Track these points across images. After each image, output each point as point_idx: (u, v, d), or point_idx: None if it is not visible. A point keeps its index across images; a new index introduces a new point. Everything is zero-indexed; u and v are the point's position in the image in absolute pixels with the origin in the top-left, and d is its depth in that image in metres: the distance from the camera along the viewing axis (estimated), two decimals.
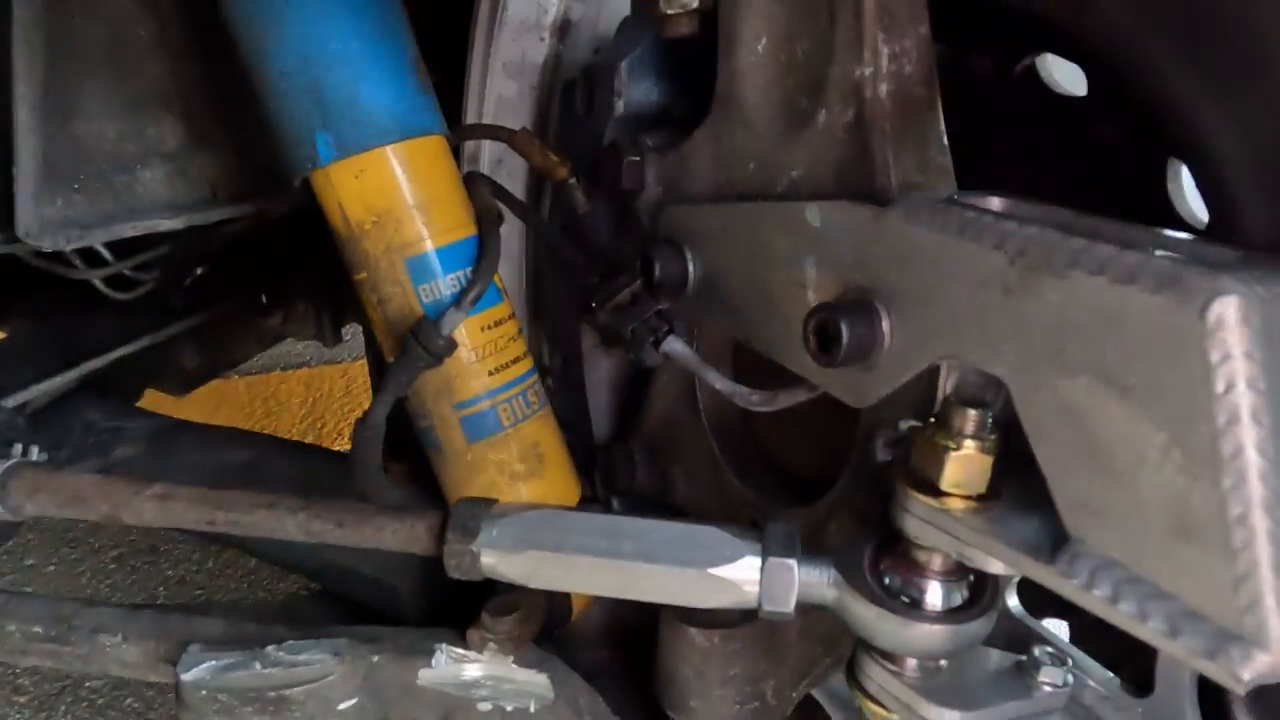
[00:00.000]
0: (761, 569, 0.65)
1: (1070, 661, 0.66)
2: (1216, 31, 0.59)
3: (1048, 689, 0.66)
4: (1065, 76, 0.79)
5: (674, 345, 0.86)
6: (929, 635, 0.62)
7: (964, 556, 0.60)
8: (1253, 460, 0.45)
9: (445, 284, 0.86)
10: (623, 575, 0.67)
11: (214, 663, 0.89)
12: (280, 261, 1.78)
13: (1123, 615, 0.50)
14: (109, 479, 0.75)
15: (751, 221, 0.80)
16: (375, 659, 0.91)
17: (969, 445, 0.59)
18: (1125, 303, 0.49)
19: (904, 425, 0.69)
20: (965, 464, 0.59)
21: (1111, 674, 0.68)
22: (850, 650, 0.83)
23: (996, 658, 0.69)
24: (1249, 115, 0.60)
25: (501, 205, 1.07)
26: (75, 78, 0.97)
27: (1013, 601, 0.74)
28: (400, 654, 0.91)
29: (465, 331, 0.87)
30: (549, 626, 0.96)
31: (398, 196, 0.83)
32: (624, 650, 1.10)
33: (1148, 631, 0.49)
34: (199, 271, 1.66)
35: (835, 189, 0.73)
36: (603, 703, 0.92)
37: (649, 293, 0.90)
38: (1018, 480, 0.61)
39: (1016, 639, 0.71)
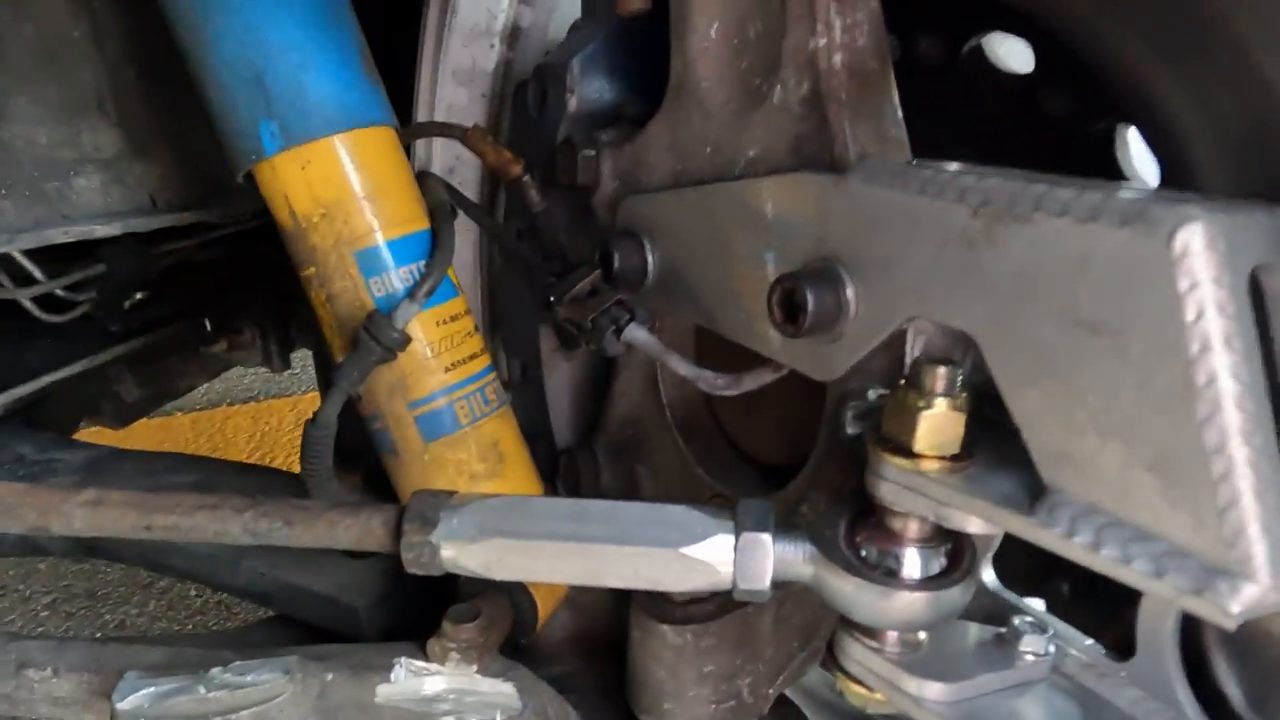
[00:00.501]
0: (735, 546, 0.63)
1: (1051, 630, 0.65)
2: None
3: (1030, 658, 0.64)
4: (1011, 54, 0.81)
5: (636, 333, 0.84)
6: (909, 604, 0.60)
7: (941, 518, 0.58)
8: (1227, 388, 0.45)
9: (398, 277, 0.83)
10: (591, 560, 0.64)
11: (153, 689, 0.83)
12: (224, 285, 1.73)
13: (1106, 560, 0.49)
14: (35, 486, 0.69)
15: (710, 203, 0.79)
16: (329, 677, 0.86)
17: (941, 404, 0.58)
18: (1091, 241, 0.49)
19: (873, 394, 0.68)
20: (938, 423, 0.58)
21: (1092, 641, 0.66)
22: (826, 640, 0.82)
23: (976, 631, 0.67)
24: (1203, 79, 0.62)
25: (456, 206, 1.05)
26: (3, 80, 0.93)
27: (989, 576, 0.73)
28: (356, 671, 0.86)
29: (420, 326, 0.84)
30: (514, 634, 0.92)
31: (346, 187, 0.80)
32: (593, 662, 1.06)
33: (1133, 574, 0.48)
34: (138, 295, 1.60)
35: (793, 164, 0.73)
36: (573, 712, 0.88)
37: (609, 283, 0.89)
38: (988, 443, 0.61)
39: (995, 614, 0.69)
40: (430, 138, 1.14)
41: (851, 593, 0.61)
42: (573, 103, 1.00)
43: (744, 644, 0.84)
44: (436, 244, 0.84)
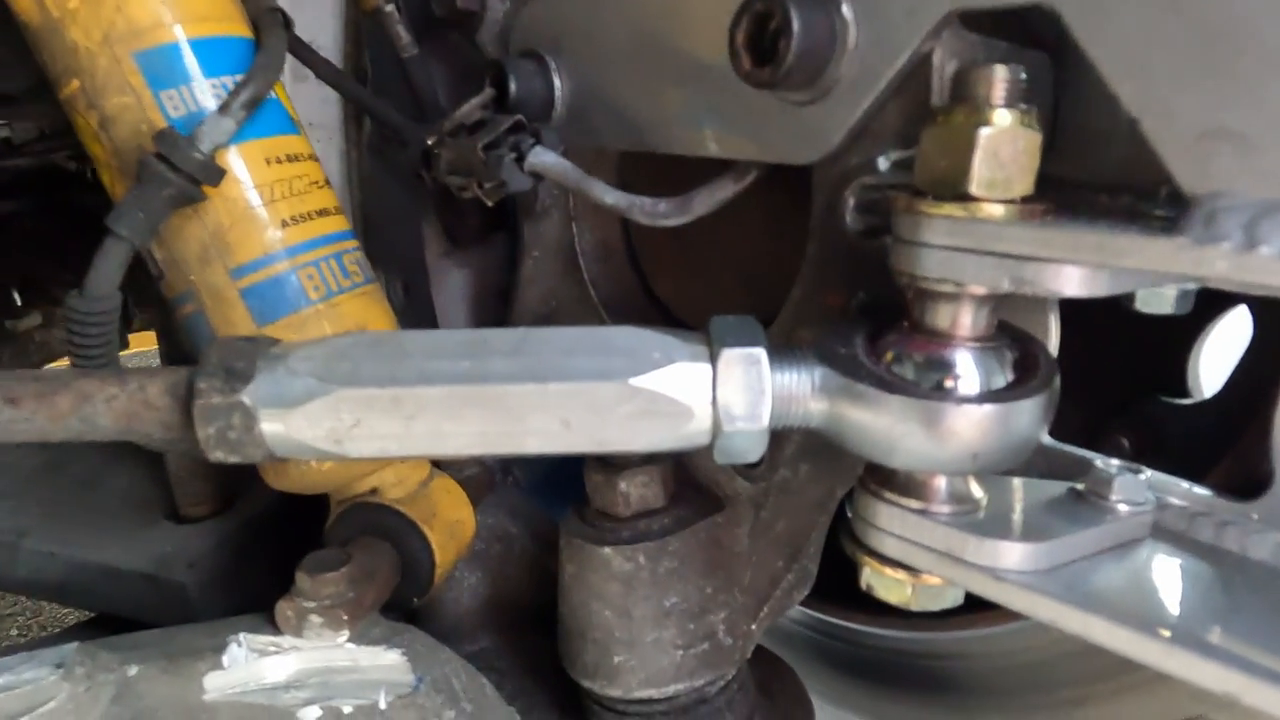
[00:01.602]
0: (713, 368, 0.42)
1: (1148, 473, 0.47)
2: None
3: (1125, 509, 0.46)
4: None
5: (544, 157, 0.63)
6: (974, 425, 0.40)
7: (1021, 281, 0.39)
8: None
9: (204, 92, 0.59)
10: (498, 410, 0.42)
11: None
12: (35, 244, 1.41)
13: None
14: None
15: None
16: (132, 671, 0.60)
17: (1005, 118, 0.39)
18: None
19: (886, 162, 0.49)
20: (1005, 143, 0.39)
21: (1195, 486, 0.48)
22: (818, 557, 0.62)
23: (1045, 488, 0.48)
24: None
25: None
26: None
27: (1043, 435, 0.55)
28: (174, 659, 0.61)
29: (243, 160, 0.60)
30: (404, 593, 0.68)
31: None
32: (517, 635, 0.82)
33: None
34: None
35: None
36: (488, 684, 0.64)
37: (500, 107, 0.67)
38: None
39: (1051, 477, 0.51)
40: None
41: (891, 422, 0.41)
42: None
43: (715, 566, 0.63)
44: (262, 49, 0.61)
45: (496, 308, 0.90)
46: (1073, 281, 0.38)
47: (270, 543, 0.80)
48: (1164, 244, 0.34)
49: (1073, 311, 0.56)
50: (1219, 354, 0.65)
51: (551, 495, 0.92)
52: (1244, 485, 0.46)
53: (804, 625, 0.90)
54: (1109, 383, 0.66)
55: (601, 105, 0.65)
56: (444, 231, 0.93)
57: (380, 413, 0.42)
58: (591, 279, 0.75)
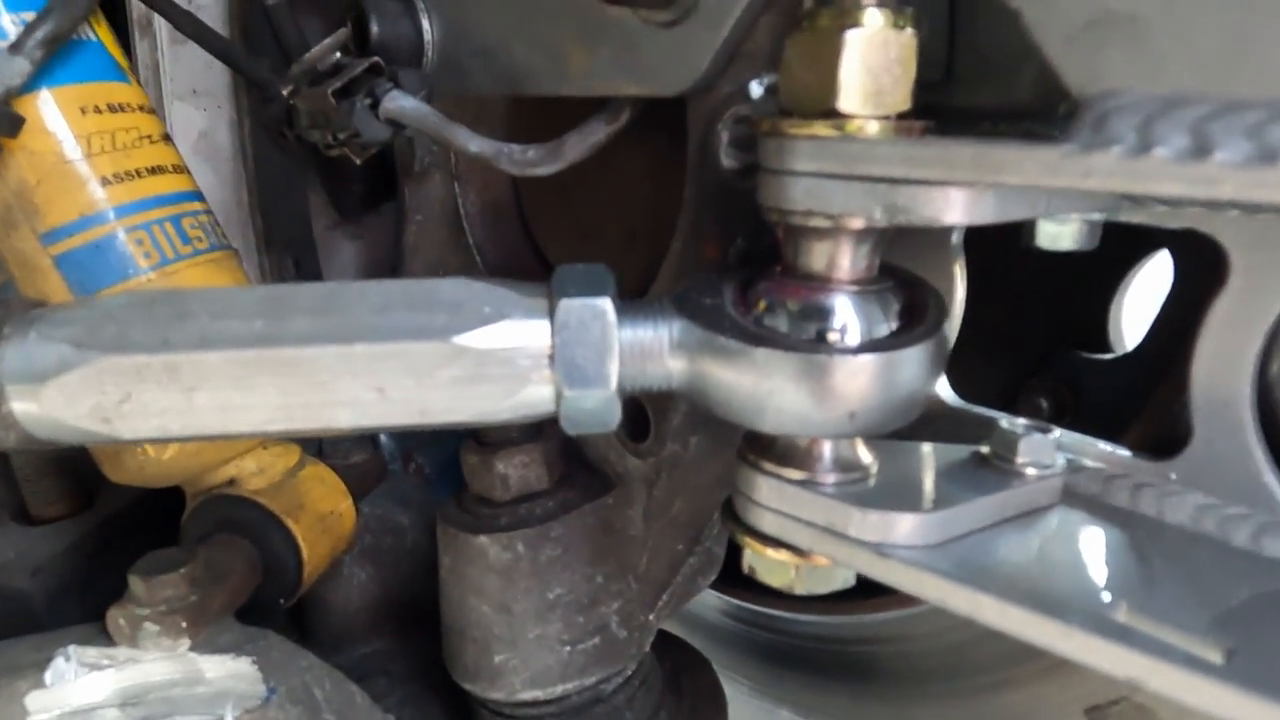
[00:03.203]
0: (552, 326, 0.36)
1: (1057, 433, 0.42)
2: None
3: (1032, 473, 0.41)
4: None
5: (401, 101, 0.56)
6: (852, 377, 0.35)
7: (895, 209, 0.33)
8: None
9: (3, 27, 0.51)
10: (296, 378, 0.36)
11: None
12: None
13: (1230, 172, 0.26)
14: None
15: None
16: None
17: (875, 18, 0.33)
18: None
19: (759, 88, 0.43)
20: (876, 50, 0.33)
21: (1111, 446, 0.44)
22: (726, 535, 0.56)
23: (947, 452, 0.43)
24: None
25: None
26: None
27: (945, 390, 0.50)
28: None
29: (54, 105, 0.52)
30: (267, 592, 0.61)
31: None
32: (410, 637, 0.76)
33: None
34: None
35: None
36: (358, 690, 0.58)
37: (362, 51, 0.60)
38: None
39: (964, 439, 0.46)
40: None
41: (755, 379, 0.36)
42: None
43: (605, 553, 0.57)
44: None
45: (391, 273, 0.83)
46: (954, 207, 0.33)
47: (132, 545, 0.72)
48: (1047, 153, 0.29)
49: (986, 261, 0.51)
50: (1141, 304, 0.61)
51: (460, 483, 0.86)
52: (1162, 444, 0.42)
53: (723, 613, 0.85)
54: (1026, 338, 0.61)
55: (470, 48, 0.59)
56: (331, 202, 0.86)
57: (154, 384, 0.35)
58: (477, 244, 0.69)
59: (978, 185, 0.32)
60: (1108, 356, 0.59)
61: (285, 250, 0.94)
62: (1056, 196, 0.33)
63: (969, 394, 0.51)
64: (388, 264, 0.86)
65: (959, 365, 0.50)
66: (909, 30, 0.34)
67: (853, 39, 0.33)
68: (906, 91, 0.34)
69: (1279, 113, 0.25)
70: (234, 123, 1.02)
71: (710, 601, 0.85)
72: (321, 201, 0.88)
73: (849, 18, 0.33)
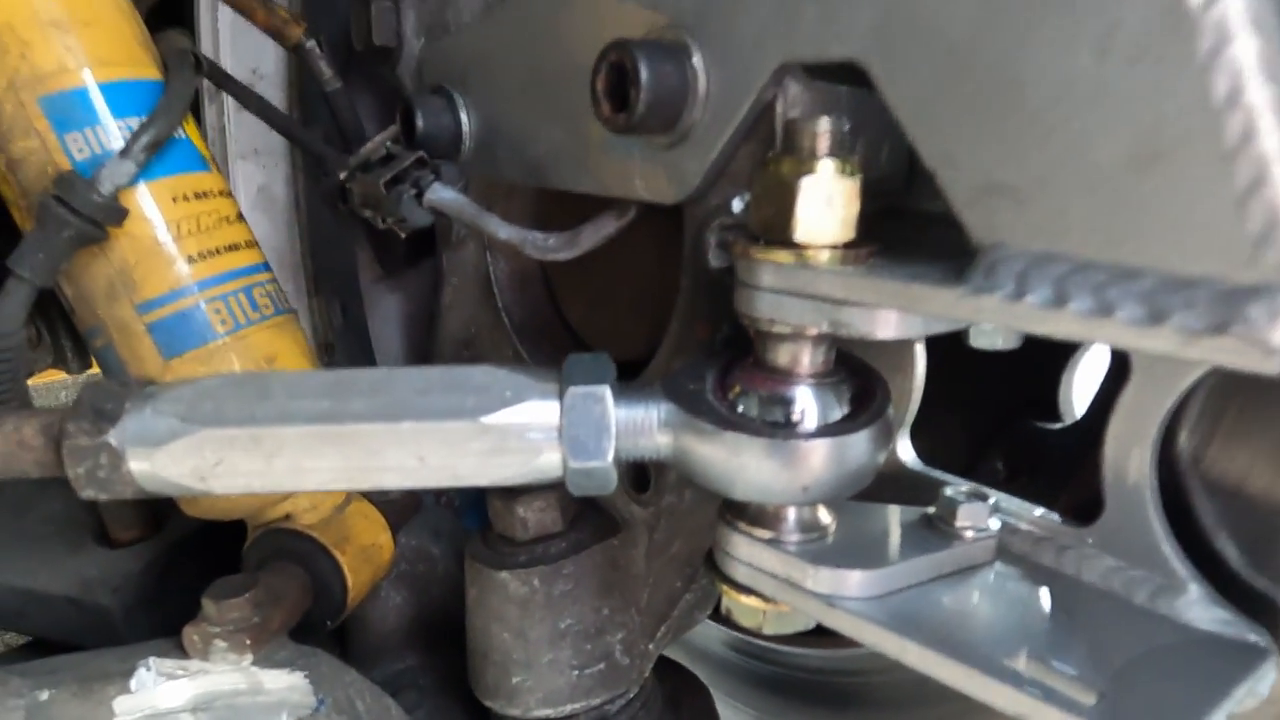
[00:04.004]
0: (560, 408, 0.44)
1: (992, 499, 0.49)
2: None
3: (970, 535, 0.48)
4: None
5: (442, 193, 0.65)
6: (804, 458, 0.42)
7: (839, 325, 0.41)
8: (1237, 3, 0.29)
9: (111, 134, 0.61)
10: (354, 448, 0.44)
11: None
12: None
13: (1079, 320, 0.33)
14: None
15: (531, 7, 0.61)
16: (43, 696, 0.62)
17: (826, 167, 0.41)
18: None
19: (740, 204, 0.51)
20: (824, 193, 0.41)
21: (1043, 510, 0.50)
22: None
23: (898, 514, 0.50)
24: None
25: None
26: None
27: (908, 454, 0.57)
28: (85, 684, 0.62)
29: (150, 198, 0.62)
30: (316, 614, 0.69)
31: (18, 6, 0.58)
32: (439, 654, 0.84)
33: (1117, 329, 0.32)
34: None
35: None
36: (393, 704, 0.66)
37: (409, 143, 0.69)
38: (896, 236, 0.44)
39: (922, 500, 0.53)
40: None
41: (726, 456, 0.43)
42: None
43: (611, 588, 0.65)
44: (168, 90, 0.63)
45: (428, 330, 0.92)
46: (887, 324, 0.40)
47: (197, 566, 0.82)
48: (948, 293, 0.36)
49: (949, 338, 0.59)
50: (1094, 379, 0.67)
51: (484, 518, 0.94)
52: (1087, 509, 0.48)
53: (729, 646, 0.92)
54: (986, 407, 0.68)
55: (501, 140, 0.67)
56: (376, 259, 0.95)
57: (241, 451, 0.44)
58: (505, 306, 0.77)
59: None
60: (1057, 426, 0.66)
61: (334, 297, 1.03)
62: (955, 320, 0.40)
63: (935, 454, 0.58)
64: (426, 313, 0.95)
65: (926, 429, 0.58)
66: (856, 176, 0.42)
67: (807, 184, 0.41)
68: (852, 226, 0.42)
69: (1118, 275, 0.33)
70: (289, 178, 1.13)
71: (714, 634, 0.93)
72: (368, 257, 0.97)
73: (805, 165, 0.41)
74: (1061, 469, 0.63)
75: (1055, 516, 0.49)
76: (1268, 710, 0.43)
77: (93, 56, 0.61)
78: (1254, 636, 0.42)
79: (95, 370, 0.71)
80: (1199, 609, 0.43)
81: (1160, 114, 0.31)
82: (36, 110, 0.60)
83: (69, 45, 0.60)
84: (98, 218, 0.58)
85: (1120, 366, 0.62)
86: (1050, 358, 0.66)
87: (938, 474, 0.55)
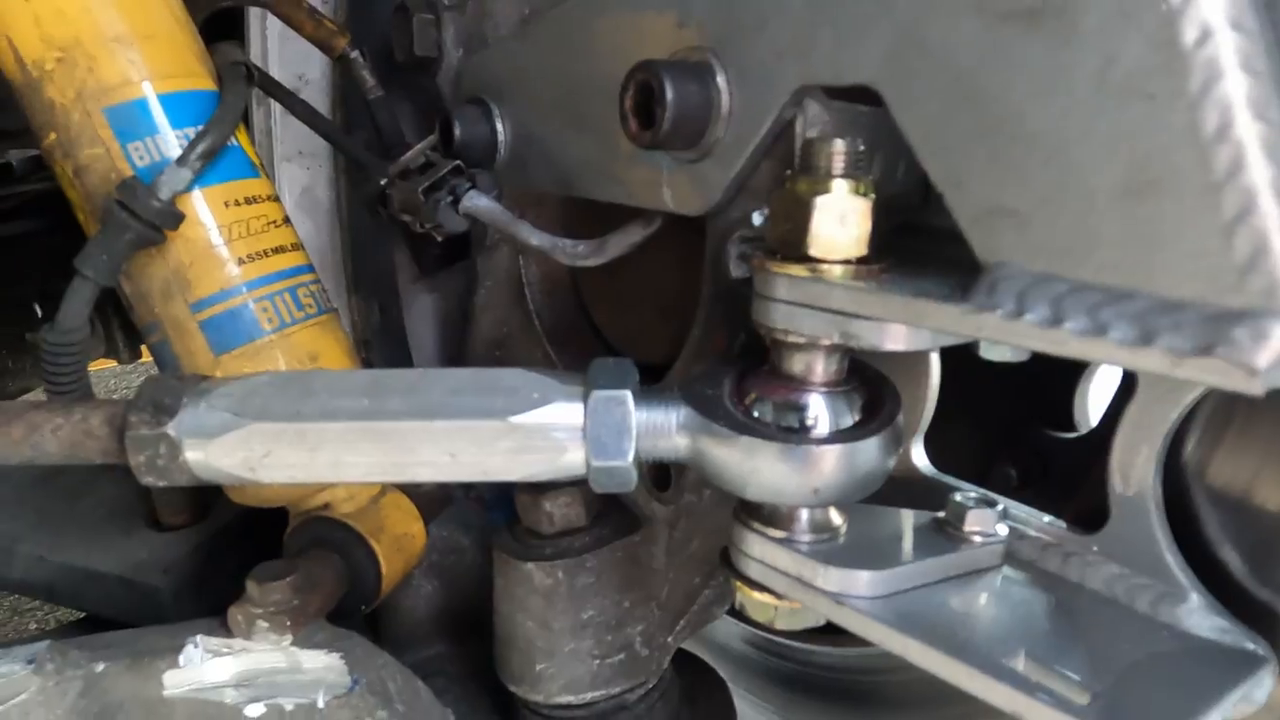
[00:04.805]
0: (584, 410, 0.47)
1: (1001, 506, 0.51)
2: None
3: (978, 540, 0.49)
4: None
5: (477, 201, 0.68)
6: (816, 463, 0.44)
7: (850, 336, 0.43)
8: (1226, 41, 0.31)
9: (169, 143, 0.65)
10: (390, 444, 0.47)
11: None
12: (54, 266, 1.49)
13: (1072, 339, 0.35)
14: None
15: (563, 27, 0.64)
16: (99, 668, 0.66)
17: (840, 187, 0.43)
18: None
19: (759, 218, 0.53)
20: (838, 211, 0.43)
21: (1051, 518, 0.52)
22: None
23: (909, 518, 0.52)
24: None
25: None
26: None
27: (922, 460, 0.59)
28: (137, 658, 0.66)
29: (204, 203, 0.66)
30: (351, 600, 0.73)
31: (86, 23, 0.62)
32: (468, 643, 0.87)
33: (1110, 349, 0.34)
34: None
35: None
36: (423, 686, 0.69)
37: (446, 151, 0.72)
38: (910, 252, 0.46)
39: (932, 505, 0.54)
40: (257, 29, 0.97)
41: (740, 459, 0.46)
42: None
43: (631, 582, 0.67)
44: (223, 101, 0.67)
45: (462, 330, 0.96)
46: (895, 338, 0.42)
47: (240, 550, 0.86)
48: (952, 309, 0.38)
49: (966, 348, 0.60)
50: (1108, 389, 0.68)
51: (511, 511, 0.97)
52: (1094, 517, 0.50)
53: (749, 643, 0.94)
54: (1001, 415, 0.69)
55: (534, 151, 0.70)
56: (413, 260, 0.99)
57: (287, 444, 0.47)
58: (536, 309, 0.80)
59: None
60: (1070, 435, 0.67)
61: (372, 296, 1.07)
62: (958, 335, 0.42)
63: (949, 461, 0.60)
64: (459, 316, 0.98)
65: (942, 436, 0.59)
66: (869, 196, 0.44)
67: (822, 203, 0.43)
68: (864, 243, 0.44)
69: (1112, 297, 0.34)
70: (332, 180, 1.17)
71: (734, 631, 0.95)
72: (405, 259, 1.00)
73: (821, 185, 0.43)
74: (1073, 478, 0.64)
75: (1062, 524, 0.51)
76: (1265, 717, 0.44)
77: (153, 69, 0.65)
78: (1252, 645, 0.43)
79: (146, 359, 0.75)
80: (1199, 617, 0.45)
81: (1153, 145, 0.32)
82: (102, 120, 0.64)
83: (131, 59, 0.64)
84: (156, 222, 0.62)
85: (1130, 379, 0.63)
86: (1065, 369, 0.67)
87: (949, 480, 0.57)
